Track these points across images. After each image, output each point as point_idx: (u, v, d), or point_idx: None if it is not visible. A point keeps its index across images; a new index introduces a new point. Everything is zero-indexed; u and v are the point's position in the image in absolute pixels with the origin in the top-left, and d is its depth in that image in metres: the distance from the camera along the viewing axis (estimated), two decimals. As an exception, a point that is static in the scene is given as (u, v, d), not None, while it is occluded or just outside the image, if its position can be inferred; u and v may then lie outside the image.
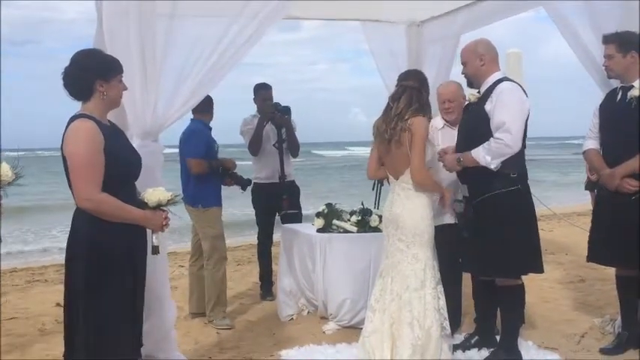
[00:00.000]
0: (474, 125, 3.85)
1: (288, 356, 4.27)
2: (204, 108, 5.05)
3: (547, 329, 4.70)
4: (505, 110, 3.68)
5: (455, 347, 4.04)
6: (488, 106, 3.75)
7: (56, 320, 5.15)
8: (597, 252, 4.18)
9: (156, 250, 3.06)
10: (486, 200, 3.79)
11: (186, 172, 5.12)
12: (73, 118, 2.86)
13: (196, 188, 5.05)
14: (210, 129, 5.28)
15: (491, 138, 3.68)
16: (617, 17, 4.08)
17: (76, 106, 2.94)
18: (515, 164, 3.75)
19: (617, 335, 4.30)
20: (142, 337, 3.16)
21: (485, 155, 3.69)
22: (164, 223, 3.02)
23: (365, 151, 13.23)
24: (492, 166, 3.69)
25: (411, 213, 3.70)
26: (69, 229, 2.92)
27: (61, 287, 2.96)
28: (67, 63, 2.90)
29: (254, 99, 5.85)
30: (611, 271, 4.56)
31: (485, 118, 3.74)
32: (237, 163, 5.40)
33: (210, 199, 5.10)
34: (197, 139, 5.10)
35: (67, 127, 2.84)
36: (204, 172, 5.07)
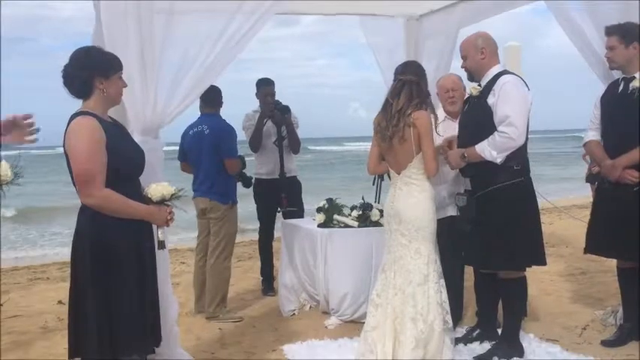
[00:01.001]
0: (477, 119, 3.84)
1: (290, 351, 4.27)
2: (219, 101, 5.13)
3: (548, 322, 4.71)
4: (508, 104, 3.67)
5: (457, 340, 4.05)
6: (490, 100, 3.74)
7: (58, 318, 5.15)
8: (597, 244, 4.18)
9: (161, 245, 3.06)
10: (489, 193, 3.79)
11: (215, 169, 5.06)
12: (73, 116, 2.85)
13: (226, 184, 5.10)
14: None
15: (496, 132, 3.67)
16: (617, 14, 4.07)
17: (75, 104, 2.92)
18: (518, 157, 3.74)
19: (618, 327, 4.30)
20: (160, 333, 3.10)
21: (491, 150, 3.68)
22: (169, 217, 3.02)
23: (365, 146, 13.20)
24: (498, 161, 3.69)
25: (414, 207, 3.69)
26: (70, 228, 2.91)
27: (63, 285, 2.96)
28: (64, 61, 2.88)
29: (256, 94, 5.84)
30: (612, 263, 4.56)
31: (489, 112, 3.73)
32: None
33: (235, 195, 5.19)
34: (233, 138, 5.14)
35: (68, 124, 2.83)
36: (239, 170, 5.18)
